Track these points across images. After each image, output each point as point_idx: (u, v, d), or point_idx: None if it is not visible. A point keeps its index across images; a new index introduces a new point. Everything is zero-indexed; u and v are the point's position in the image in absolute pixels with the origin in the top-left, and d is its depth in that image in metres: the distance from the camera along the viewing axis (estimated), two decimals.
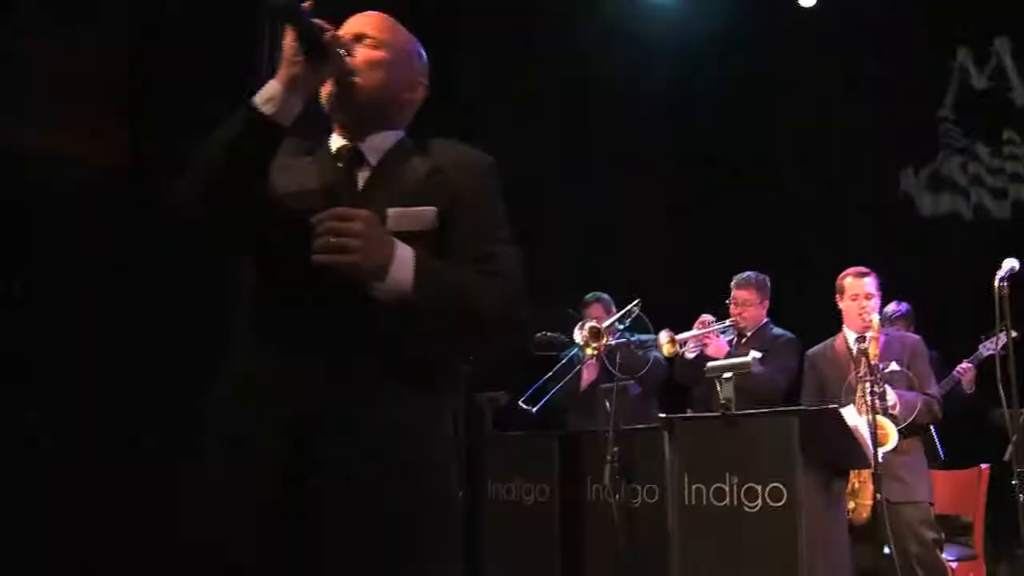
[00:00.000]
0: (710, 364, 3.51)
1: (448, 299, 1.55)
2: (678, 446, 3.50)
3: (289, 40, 1.57)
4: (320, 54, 1.57)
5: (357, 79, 1.66)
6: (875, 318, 3.89)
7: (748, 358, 3.55)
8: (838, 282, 4.09)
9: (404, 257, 1.50)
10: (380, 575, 1.54)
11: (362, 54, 1.68)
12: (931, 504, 3.86)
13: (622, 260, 5.68)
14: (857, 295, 3.99)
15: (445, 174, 1.67)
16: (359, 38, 1.70)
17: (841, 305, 4.08)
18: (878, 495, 3.48)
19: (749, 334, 4.49)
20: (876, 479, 3.46)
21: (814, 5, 6.30)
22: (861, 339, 3.89)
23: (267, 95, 1.57)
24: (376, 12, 1.77)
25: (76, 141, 4.32)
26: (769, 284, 4.57)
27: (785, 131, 6.56)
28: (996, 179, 6.11)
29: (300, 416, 1.52)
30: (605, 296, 4.80)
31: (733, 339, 4.49)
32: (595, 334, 4.04)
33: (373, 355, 1.55)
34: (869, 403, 3.51)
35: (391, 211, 1.61)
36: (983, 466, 4.40)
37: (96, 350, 4.15)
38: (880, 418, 3.66)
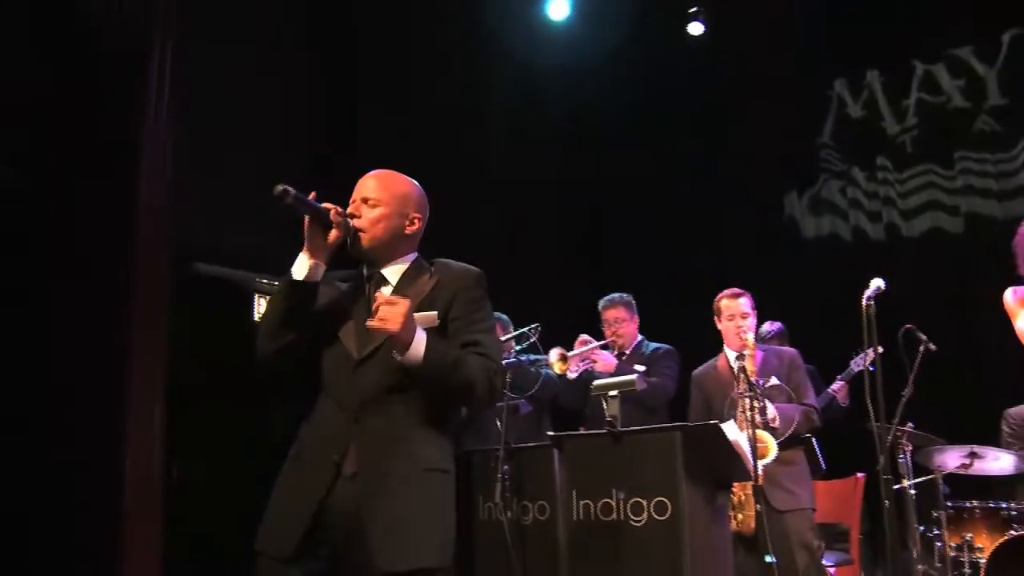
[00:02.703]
0: (596, 382, 3.57)
1: (447, 369, 2.22)
2: (567, 463, 3.54)
3: (307, 224, 2.28)
4: (327, 226, 2.29)
5: (363, 235, 2.35)
6: (750, 336, 4.06)
7: (633, 376, 3.64)
8: (715, 304, 4.27)
9: (421, 337, 2.19)
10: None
11: (366, 215, 2.37)
12: (813, 511, 4.03)
13: (511, 284, 5.72)
14: (733, 315, 4.18)
15: (443, 286, 2.37)
16: (365, 200, 2.38)
17: (720, 326, 4.26)
18: (758, 506, 3.60)
19: (628, 352, 4.64)
20: (757, 491, 3.59)
21: (703, 33, 6.54)
22: (740, 357, 4.06)
23: (299, 266, 2.31)
24: (376, 172, 2.44)
25: None
26: (635, 303, 4.75)
27: (675, 154, 6.77)
28: (872, 203, 6.43)
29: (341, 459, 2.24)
30: (503, 317, 4.84)
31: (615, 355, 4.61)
32: None
33: (394, 416, 2.26)
34: (749, 418, 3.66)
35: None
36: (859, 475, 4.61)
37: None
38: (761, 432, 3.80)
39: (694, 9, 6.43)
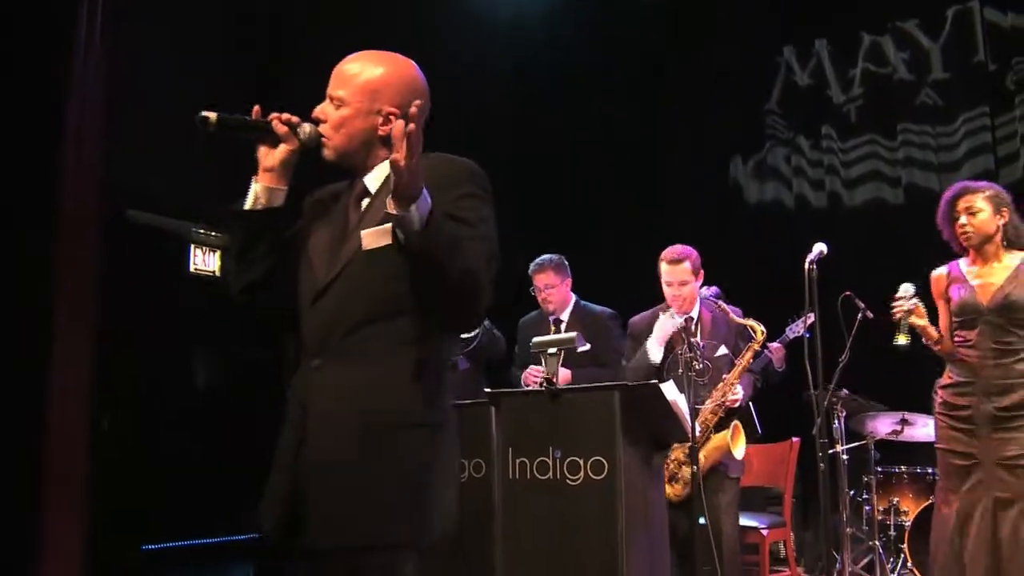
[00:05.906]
0: (535, 340, 3.52)
1: (445, 248, 1.72)
2: (504, 421, 3.49)
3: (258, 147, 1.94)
4: (274, 139, 1.92)
5: (326, 141, 1.93)
6: (676, 318, 3.97)
7: (573, 333, 3.60)
8: (659, 262, 4.13)
9: (427, 199, 1.69)
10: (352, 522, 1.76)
11: (330, 118, 1.94)
12: (737, 479, 4.03)
13: None
14: (671, 282, 4.05)
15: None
16: (331, 99, 1.95)
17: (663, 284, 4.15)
18: (694, 467, 3.60)
19: (566, 317, 4.43)
20: (693, 453, 3.59)
21: None
22: (689, 319, 4.04)
23: (251, 195, 1.95)
24: (342, 63, 1.99)
25: None
26: (567, 264, 4.49)
27: (622, 113, 6.72)
28: (815, 171, 6.47)
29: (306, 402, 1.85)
30: None
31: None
32: None
33: (359, 353, 1.83)
34: (689, 380, 3.64)
35: (363, 232, 1.86)
36: (794, 439, 4.67)
37: None
38: (715, 437, 3.85)
39: None
